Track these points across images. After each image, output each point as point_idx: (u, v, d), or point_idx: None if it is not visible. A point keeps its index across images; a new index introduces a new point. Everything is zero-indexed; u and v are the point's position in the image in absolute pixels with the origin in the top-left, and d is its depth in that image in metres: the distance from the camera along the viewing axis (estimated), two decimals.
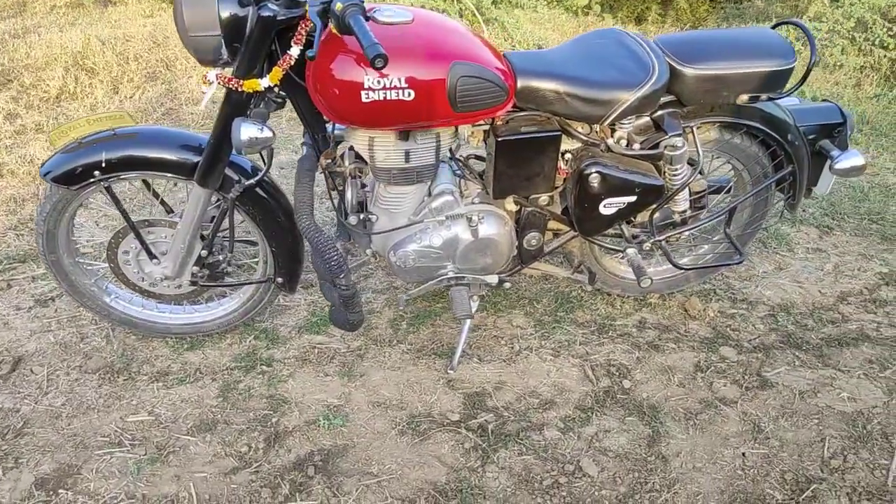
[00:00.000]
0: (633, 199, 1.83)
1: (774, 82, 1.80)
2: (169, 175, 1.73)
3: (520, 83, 1.68)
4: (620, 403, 1.85)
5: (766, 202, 2.13)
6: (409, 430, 1.74)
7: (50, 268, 1.88)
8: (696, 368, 1.99)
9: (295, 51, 1.51)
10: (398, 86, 1.53)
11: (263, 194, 1.82)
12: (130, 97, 3.91)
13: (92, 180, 1.68)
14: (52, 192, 1.72)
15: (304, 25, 1.49)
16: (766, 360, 2.02)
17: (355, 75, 1.50)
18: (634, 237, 2.02)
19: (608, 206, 1.84)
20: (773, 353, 2.05)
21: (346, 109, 1.56)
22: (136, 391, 1.85)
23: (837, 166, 1.94)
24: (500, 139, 1.72)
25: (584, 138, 1.81)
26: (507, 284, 2.05)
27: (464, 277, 1.94)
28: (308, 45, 1.52)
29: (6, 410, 1.76)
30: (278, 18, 1.46)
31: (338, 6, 1.36)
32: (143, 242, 1.82)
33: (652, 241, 2.01)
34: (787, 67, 1.77)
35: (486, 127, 1.78)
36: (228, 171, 1.75)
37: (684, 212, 2.01)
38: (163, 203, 1.94)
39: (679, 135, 1.80)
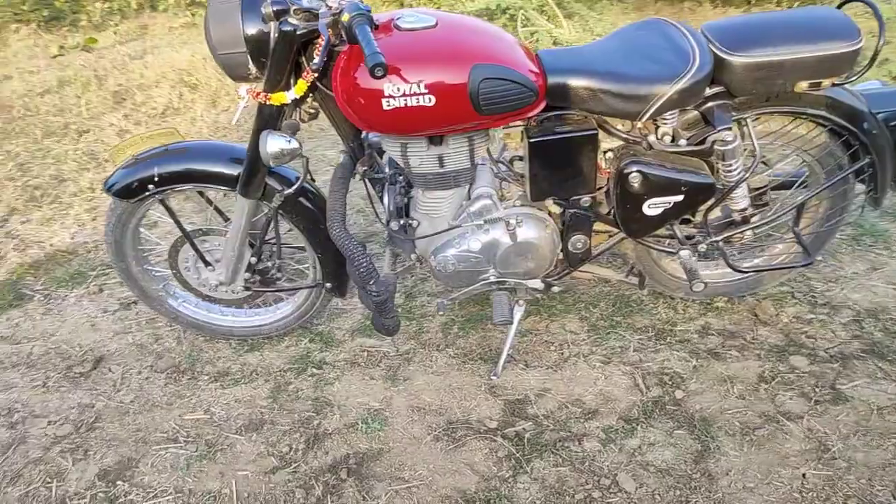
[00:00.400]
0: (679, 198, 1.73)
1: (836, 66, 1.63)
2: (216, 187, 1.83)
3: (550, 81, 1.63)
4: (670, 415, 1.75)
5: (845, 197, 1.94)
6: (445, 436, 1.73)
7: (120, 275, 2.03)
8: (759, 379, 1.84)
9: (317, 61, 1.53)
10: (418, 92, 1.53)
11: (306, 203, 1.88)
12: (226, 110, 4.15)
13: (147, 193, 1.80)
14: (115, 204, 1.86)
15: (320, 42, 1.51)
16: (843, 371, 1.84)
17: (375, 83, 1.51)
18: (689, 238, 1.90)
19: (653, 207, 1.74)
20: (853, 363, 1.87)
21: (372, 117, 1.57)
22: (196, 390, 1.96)
23: None
24: (532, 140, 1.68)
25: (624, 136, 1.72)
26: (556, 289, 1.99)
27: (506, 282, 1.91)
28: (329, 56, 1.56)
29: (82, 406, 1.93)
30: (298, 32, 1.50)
31: (344, 17, 1.38)
32: (197, 251, 1.93)
33: (708, 241, 1.88)
34: (850, 49, 1.59)
35: (522, 127, 1.74)
36: (271, 181, 1.81)
37: (745, 210, 1.87)
38: (218, 211, 2.04)
39: (728, 128, 1.68)
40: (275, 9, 1.49)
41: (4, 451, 1.78)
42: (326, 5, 1.51)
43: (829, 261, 2.29)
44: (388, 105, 1.54)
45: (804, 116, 1.75)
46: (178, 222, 1.90)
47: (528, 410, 1.79)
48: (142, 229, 1.99)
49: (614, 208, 1.78)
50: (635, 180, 1.69)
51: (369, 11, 1.40)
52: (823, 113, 1.73)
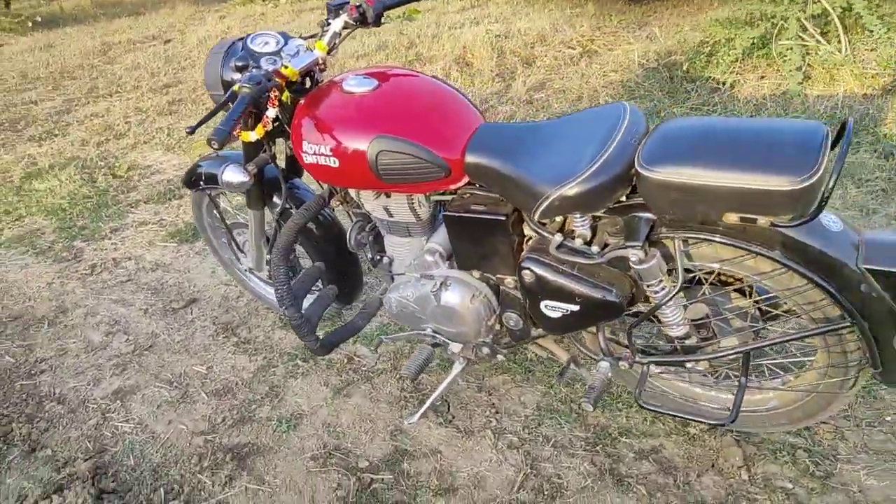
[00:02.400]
0: (575, 307, 1.57)
1: (771, 205, 1.29)
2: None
3: (468, 159, 1.61)
4: None
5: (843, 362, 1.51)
6: (321, 457, 1.91)
7: (207, 245, 2.57)
8: None
9: (271, 112, 1.77)
10: (324, 153, 1.68)
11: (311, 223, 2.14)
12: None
13: (199, 188, 2.26)
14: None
15: (274, 96, 1.74)
16: None
17: (302, 136, 1.71)
18: (611, 349, 1.69)
19: (551, 309, 1.62)
20: None
21: (303, 165, 1.78)
22: (220, 348, 2.43)
23: None
24: (445, 213, 1.69)
25: (537, 229, 1.62)
26: (500, 357, 1.95)
27: (440, 337, 1.94)
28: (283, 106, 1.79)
29: (152, 334, 2.54)
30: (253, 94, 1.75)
31: (235, 86, 1.59)
32: (233, 241, 2.35)
33: (631, 361, 1.66)
34: (790, 188, 1.24)
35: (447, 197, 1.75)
36: (277, 197, 2.12)
37: (683, 339, 1.60)
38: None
39: (635, 246, 1.46)
40: (238, 64, 1.78)
41: (87, 350, 2.47)
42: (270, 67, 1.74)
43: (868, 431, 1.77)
44: (305, 159, 1.73)
45: (750, 253, 1.42)
46: (221, 216, 2.34)
47: (402, 465, 1.85)
48: (215, 212, 2.48)
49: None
50: (528, 277, 1.59)
51: (259, 83, 1.58)
52: (775, 255, 1.39)
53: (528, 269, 1.58)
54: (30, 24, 9.93)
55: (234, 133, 1.83)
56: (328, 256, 2.14)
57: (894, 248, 1.34)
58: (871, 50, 3.86)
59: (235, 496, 1.82)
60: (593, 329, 1.74)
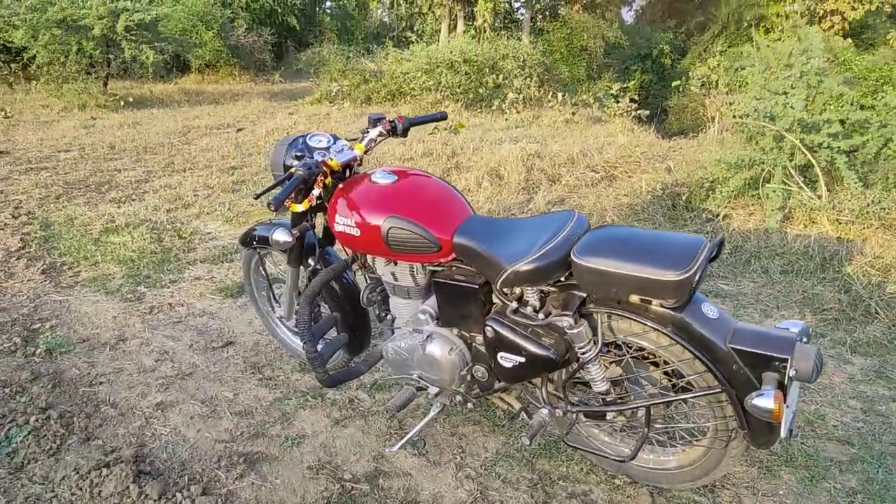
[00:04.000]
0: (523, 360, 2.04)
1: (657, 291, 1.78)
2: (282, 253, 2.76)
3: (455, 240, 2.15)
4: None
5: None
6: (316, 466, 2.35)
7: (248, 296, 3.12)
8: None
9: (316, 191, 2.35)
10: (350, 224, 2.24)
11: (333, 282, 2.68)
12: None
13: (252, 246, 2.84)
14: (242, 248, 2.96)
15: (320, 180, 2.33)
16: None
17: (332, 209, 2.28)
18: (551, 399, 2.14)
19: (505, 359, 2.09)
20: None
21: (333, 232, 2.33)
22: (248, 382, 2.91)
23: (748, 402, 1.72)
24: (435, 280, 2.21)
25: (500, 298, 2.11)
26: (470, 405, 2.40)
27: (424, 383, 2.40)
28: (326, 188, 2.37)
29: (193, 364, 3.05)
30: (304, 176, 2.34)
31: (293, 169, 2.18)
32: (272, 292, 2.90)
33: (564, 410, 2.10)
34: (669, 279, 1.74)
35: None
36: (312, 260, 2.67)
37: (604, 394, 2.04)
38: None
39: (567, 315, 1.95)
40: (297, 154, 2.38)
41: (139, 371, 2.99)
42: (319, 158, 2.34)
43: (787, 498, 2.14)
44: (336, 228, 2.29)
45: (648, 328, 1.89)
46: (265, 271, 2.90)
47: (378, 480, 2.28)
48: (261, 269, 3.04)
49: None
50: (488, 332, 2.08)
51: (310, 169, 2.18)
52: (666, 331, 1.86)
53: (490, 326, 2.07)
54: (122, 103, 11.17)
55: (286, 204, 2.42)
56: (344, 311, 2.65)
57: (755, 334, 1.80)
58: (848, 200, 4.36)
59: (243, 489, 2.26)
60: (538, 382, 2.19)
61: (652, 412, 2.02)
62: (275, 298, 2.96)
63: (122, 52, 11.31)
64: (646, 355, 2.05)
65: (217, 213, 5.33)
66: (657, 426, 2.10)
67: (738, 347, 1.78)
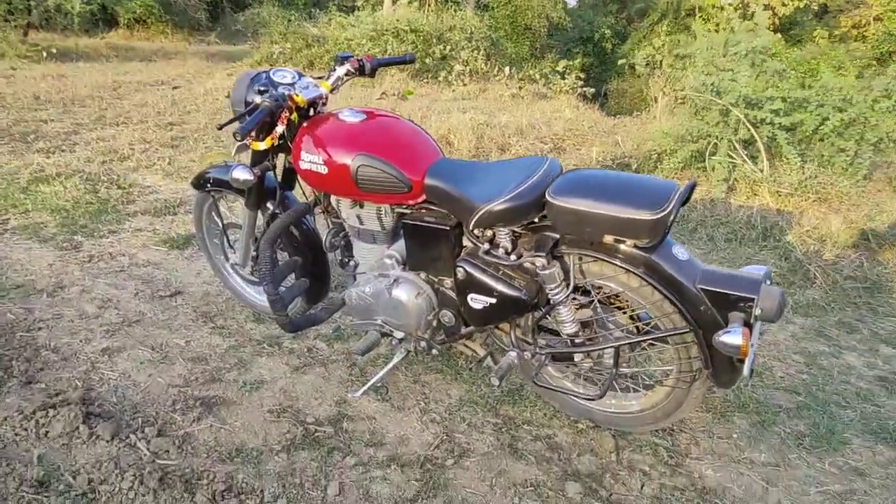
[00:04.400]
0: (493, 300, 2.04)
1: (633, 230, 1.81)
2: (236, 195, 2.66)
3: (427, 180, 2.11)
4: (428, 472, 2.05)
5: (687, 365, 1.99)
6: (277, 410, 2.30)
7: (198, 244, 3.00)
8: (527, 483, 2.02)
9: (279, 128, 2.27)
10: (317, 161, 2.18)
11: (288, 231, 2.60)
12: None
13: (206, 189, 2.73)
14: (195, 192, 2.83)
15: (284, 115, 2.25)
16: None
17: (297, 147, 2.21)
18: (519, 343, 2.15)
19: (475, 301, 2.08)
20: None
21: (299, 171, 2.26)
22: (200, 330, 2.81)
23: (716, 339, 1.78)
24: (404, 222, 2.18)
25: (471, 239, 2.11)
26: (435, 351, 2.39)
27: (388, 329, 2.37)
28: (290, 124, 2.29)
29: (140, 312, 2.92)
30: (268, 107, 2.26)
31: (258, 100, 2.10)
32: (226, 238, 2.80)
33: (533, 352, 2.12)
34: (646, 218, 1.76)
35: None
36: (271, 205, 2.58)
37: (573, 335, 2.07)
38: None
39: (540, 256, 1.96)
40: (260, 88, 2.28)
41: (81, 318, 2.84)
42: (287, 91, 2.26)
43: (741, 440, 2.24)
44: (301, 166, 2.22)
45: (623, 268, 1.92)
46: (219, 216, 2.80)
47: (342, 423, 2.25)
48: (214, 214, 2.92)
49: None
50: (460, 273, 2.07)
51: (277, 101, 2.10)
52: (637, 271, 1.89)
53: (462, 267, 2.06)
54: (44, 54, 10.53)
55: (247, 142, 2.32)
56: (305, 257, 2.59)
57: (723, 275, 1.85)
58: (788, 174, 4.55)
59: (201, 431, 2.18)
60: (506, 327, 2.20)
61: (619, 354, 2.06)
62: (229, 244, 2.86)
63: None
64: (612, 300, 2.09)
65: (156, 167, 5.09)
66: (623, 369, 2.14)
67: (707, 288, 1.83)
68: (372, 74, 2.48)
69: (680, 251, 1.93)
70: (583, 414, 2.30)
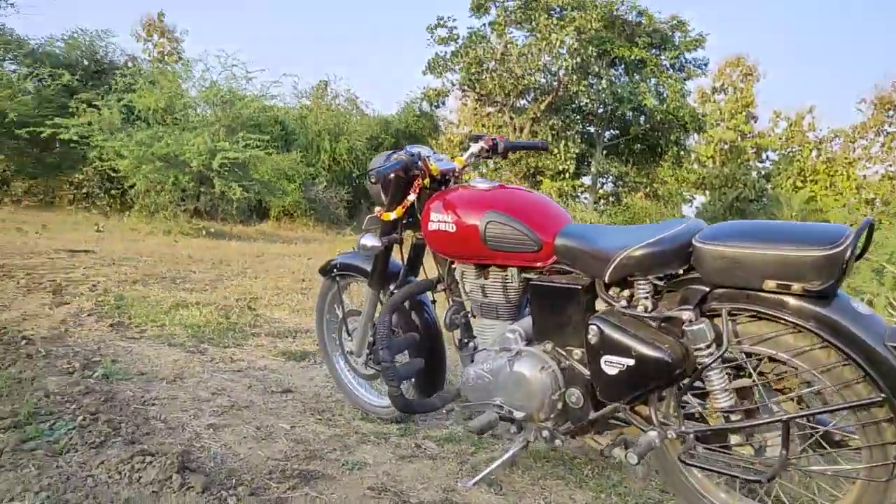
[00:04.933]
0: (631, 363, 1.80)
1: (801, 270, 1.58)
2: (361, 278, 2.65)
3: (558, 241, 2.02)
4: None
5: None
6: (379, 489, 2.05)
7: (317, 329, 2.97)
8: None
9: (411, 196, 2.30)
10: (445, 220, 2.16)
11: (407, 307, 2.53)
12: None
13: (332, 274, 2.75)
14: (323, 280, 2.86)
15: (417, 182, 2.29)
16: None
17: (426, 214, 2.21)
18: (661, 423, 1.85)
19: (610, 366, 1.85)
20: None
21: (425, 233, 2.24)
22: (308, 420, 2.68)
23: None
24: (532, 283, 2.06)
25: (606, 298, 1.93)
26: (558, 442, 2.10)
27: (509, 412, 2.13)
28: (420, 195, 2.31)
29: (251, 401, 2.84)
30: (403, 177, 2.30)
31: (395, 155, 2.16)
32: (345, 324, 2.75)
33: (678, 430, 1.80)
34: (819, 254, 1.54)
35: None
36: (393, 285, 2.55)
37: (727, 413, 1.76)
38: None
39: (688, 309, 1.74)
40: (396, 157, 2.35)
41: (194, 400, 2.80)
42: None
43: None
44: (429, 227, 2.20)
45: (788, 324, 1.65)
46: (341, 301, 2.78)
47: None
48: (336, 306, 2.90)
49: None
50: (592, 331, 1.87)
51: (412, 157, 2.15)
52: (809, 326, 1.62)
53: (595, 324, 1.87)
54: (203, 232, 11.75)
55: (377, 214, 2.36)
56: (422, 338, 2.47)
57: None
58: None
59: (295, 499, 1.97)
60: (644, 409, 1.91)
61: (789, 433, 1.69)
62: (347, 332, 2.79)
63: (213, 187, 12.09)
64: (774, 381, 1.80)
65: (284, 305, 5.30)
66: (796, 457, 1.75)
67: None
68: (504, 155, 2.51)
69: (860, 306, 1.65)
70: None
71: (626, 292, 1.91)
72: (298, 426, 2.59)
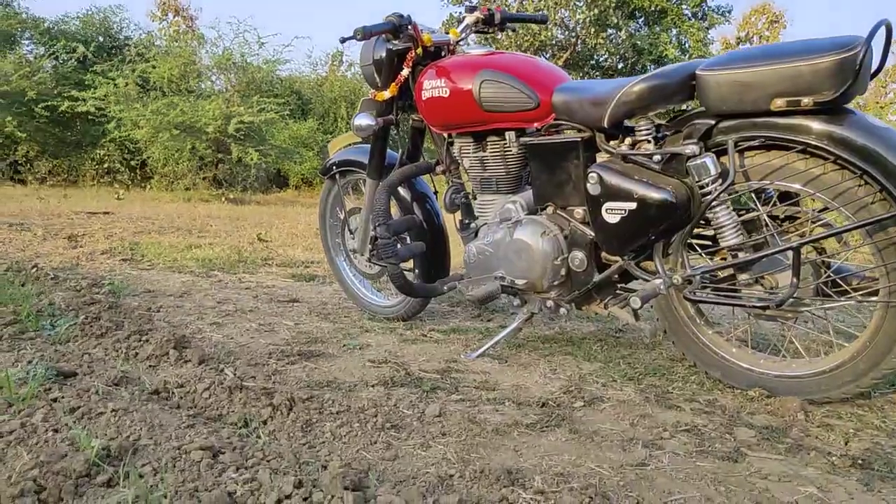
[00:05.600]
0: (633, 207, 1.71)
1: (813, 81, 1.46)
2: (362, 172, 2.58)
3: (555, 97, 1.93)
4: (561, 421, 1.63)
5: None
6: (380, 361, 2.00)
7: (320, 229, 2.91)
8: (678, 427, 1.53)
9: (405, 71, 2.21)
10: (439, 86, 2.07)
11: (405, 194, 2.46)
12: None
13: (331, 172, 2.68)
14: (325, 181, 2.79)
15: (410, 55, 2.20)
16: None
17: (426, 81, 2.12)
18: (670, 271, 1.76)
19: (611, 213, 1.76)
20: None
21: (419, 105, 2.16)
22: (312, 320, 2.63)
23: None
24: (529, 143, 1.97)
25: (608, 148, 1.83)
26: (563, 310, 2.03)
27: (512, 285, 2.06)
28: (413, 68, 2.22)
29: (256, 307, 2.81)
30: (394, 49, 2.22)
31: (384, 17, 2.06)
32: (346, 222, 2.68)
33: (684, 275, 1.71)
34: (831, 60, 1.43)
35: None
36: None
37: (734, 250, 1.66)
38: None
39: (692, 142, 1.65)
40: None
41: (198, 308, 2.77)
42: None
43: None
44: (423, 96, 2.12)
45: (799, 147, 1.55)
46: (342, 200, 2.71)
47: (451, 375, 1.90)
48: (337, 206, 2.84)
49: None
50: (592, 180, 1.79)
51: (403, 19, 2.06)
52: (821, 143, 1.51)
53: (595, 172, 1.78)
54: (223, 199, 11.79)
55: (372, 96, 2.27)
56: (424, 231, 2.40)
57: None
58: None
59: (293, 370, 1.93)
60: (650, 264, 1.83)
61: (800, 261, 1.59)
62: (350, 232, 2.73)
63: (230, 153, 12.09)
64: (784, 220, 1.70)
65: (298, 245, 5.27)
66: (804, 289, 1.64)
67: None
68: (501, 27, 2.40)
69: (874, 119, 1.54)
70: (754, 383, 1.79)
71: (629, 140, 1.81)
72: (302, 323, 2.55)
